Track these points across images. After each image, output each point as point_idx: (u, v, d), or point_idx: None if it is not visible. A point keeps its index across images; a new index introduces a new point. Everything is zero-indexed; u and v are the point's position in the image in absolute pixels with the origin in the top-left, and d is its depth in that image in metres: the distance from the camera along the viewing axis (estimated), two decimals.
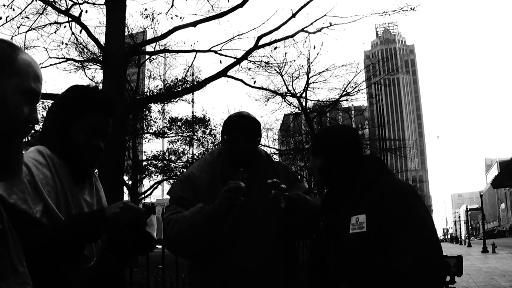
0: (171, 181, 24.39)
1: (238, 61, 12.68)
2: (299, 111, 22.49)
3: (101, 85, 12.50)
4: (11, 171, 1.00)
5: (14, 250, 0.94)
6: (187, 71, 20.19)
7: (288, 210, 1.92)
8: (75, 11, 11.78)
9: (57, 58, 14.79)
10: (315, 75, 20.65)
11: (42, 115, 18.45)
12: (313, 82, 20.91)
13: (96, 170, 1.73)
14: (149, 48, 18.82)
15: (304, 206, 1.99)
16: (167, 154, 25.73)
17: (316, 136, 2.11)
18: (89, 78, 19.15)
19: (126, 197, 21.89)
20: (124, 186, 20.12)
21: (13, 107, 0.98)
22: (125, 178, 22.45)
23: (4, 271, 0.90)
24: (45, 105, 18.36)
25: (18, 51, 1.03)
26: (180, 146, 25.64)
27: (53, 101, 1.69)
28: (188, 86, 20.27)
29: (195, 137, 25.03)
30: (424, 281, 1.65)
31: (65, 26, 12.91)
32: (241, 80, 14.22)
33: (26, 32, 12.83)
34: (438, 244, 1.74)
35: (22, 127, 1.00)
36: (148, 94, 22.80)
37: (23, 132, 1.01)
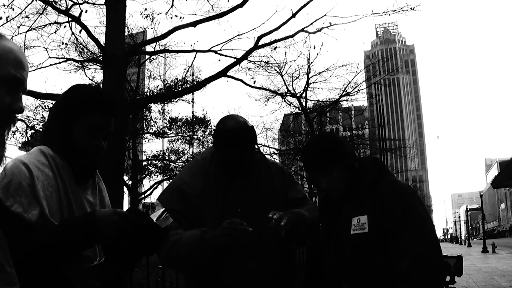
0: (170, 181, 24.35)
1: (238, 61, 12.67)
2: (299, 111, 22.50)
3: (101, 85, 12.50)
4: None
5: (0, 249, 0.90)
6: (187, 71, 20.18)
7: (288, 237, 1.88)
8: (75, 11, 11.74)
9: (57, 58, 14.76)
10: (315, 75, 20.70)
11: (43, 115, 18.48)
12: (313, 82, 20.96)
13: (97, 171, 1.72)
14: (149, 48, 18.82)
15: (303, 227, 1.95)
16: (167, 154, 25.74)
17: (311, 158, 1.91)
18: (89, 78, 19.15)
19: (126, 197, 21.90)
20: (124, 186, 20.11)
21: None
22: (125, 178, 22.44)
23: None
24: (45, 105, 18.37)
25: None
26: (180, 146, 25.67)
27: (54, 101, 1.67)
28: (188, 86, 20.26)
29: (195, 137, 25.03)
30: (425, 281, 1.66)
31: (65, 26, 12.90)
32: (241, 80, 14.21)
33: (26, 32, 12.81)
34: (437, 244, 1.75)
35: (2, 116, 0.95)
36: (148, 94, 22.79)
37: (4, 122, 0.95)
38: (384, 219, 1.76)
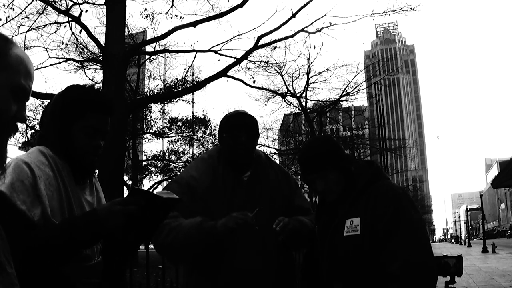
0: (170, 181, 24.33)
1: (238, 61, 12.67)
2: (299, 111, 22.50)
3: (101, 85, 12.50)
4: None
5: (1, 249, 0.89)
6: (187, 71, 20.19)
7: (286, 241, 1.93)
8: (75, 11, 11.75)
9: (57, 58, 14.79)
10: (315, 75, 20.71)
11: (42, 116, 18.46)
12: (313, 82, 20.97)
13: (96, 171, 1.73)
14: (149, 48, 18.83)
15: (304, 234, 2.01)
16: (167, 154, 25.73)
17: (308, 162, 1.93)
18: (89, 78, 19.14)
19: None
20: (124, 186, 20.11)
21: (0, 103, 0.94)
22: (125, 178, 22.44)
23: None
24: (45, 105, 18.34)
25: (11, 46, 1.00)
26: (180, 146, 25.66)
27: (50, 102, 1.68)
28: (188, 86, 20.25)
29: (195, 137, 25.03)
30: (414, 283, 1.67)
31: (65, 26, 12.91)
32: (241, 80, 14.22)
33: (26, 32, 12.81)
34: (428, 247, 1.76)
35: (8, 124, 0.97)
36: (148, 94, 22.79)
37: (9, 129, 0.97)
38: (376, 221, 1.77)
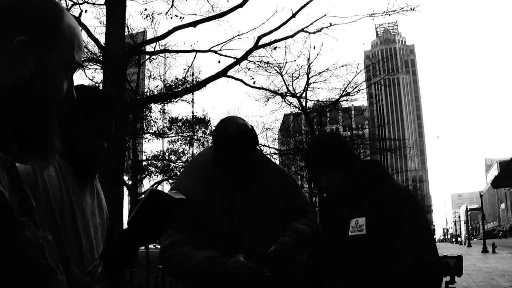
0: (171, 181, 24.39)
1: (238, 61, 12.65)
2: (299, 111, 22.51)
3: (101, 85, 12.49)
4: (44, 154, 0.85)
5: (50, 254, 0.77)
6: (187, 71, 20.19)
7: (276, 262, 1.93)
8: (75, 11, 11.78)
9: None
10: (315, 75, 20.72)
11: None
12: (313, 82, 20.98)
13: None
14: (149, 48, 18.82)
15: (301, 245, 2.03)
16: (167, 154, 25.75)
17: (313, 157, 1.91)
18: (89, 78, 19.17)
19: (126, 198, 21.88)
20: (124, 186, 20.11)
21: (53, 84, 0.82)
22: (125, 178, 22.43)
23: (37, 280, 0.72)
24: None
25: (63, 14, 0.83)
26: (180, 146, 25.68)
27: None
28: (188, 86, 20.26)
29: (195, 137, 25.04)
30: (419, 283, 1.66)
31: None
32: (241, 80, 14.21)
33: None
34: (433, 247, 1.76)
35: (60, 106, 0.85)
36: (148, 94, 22.80)
37: (61, 111, 0.85)
38: (381, 221, 1.76)
